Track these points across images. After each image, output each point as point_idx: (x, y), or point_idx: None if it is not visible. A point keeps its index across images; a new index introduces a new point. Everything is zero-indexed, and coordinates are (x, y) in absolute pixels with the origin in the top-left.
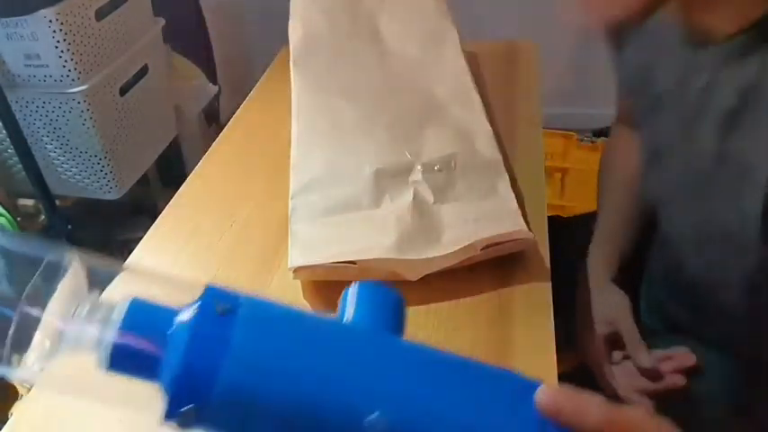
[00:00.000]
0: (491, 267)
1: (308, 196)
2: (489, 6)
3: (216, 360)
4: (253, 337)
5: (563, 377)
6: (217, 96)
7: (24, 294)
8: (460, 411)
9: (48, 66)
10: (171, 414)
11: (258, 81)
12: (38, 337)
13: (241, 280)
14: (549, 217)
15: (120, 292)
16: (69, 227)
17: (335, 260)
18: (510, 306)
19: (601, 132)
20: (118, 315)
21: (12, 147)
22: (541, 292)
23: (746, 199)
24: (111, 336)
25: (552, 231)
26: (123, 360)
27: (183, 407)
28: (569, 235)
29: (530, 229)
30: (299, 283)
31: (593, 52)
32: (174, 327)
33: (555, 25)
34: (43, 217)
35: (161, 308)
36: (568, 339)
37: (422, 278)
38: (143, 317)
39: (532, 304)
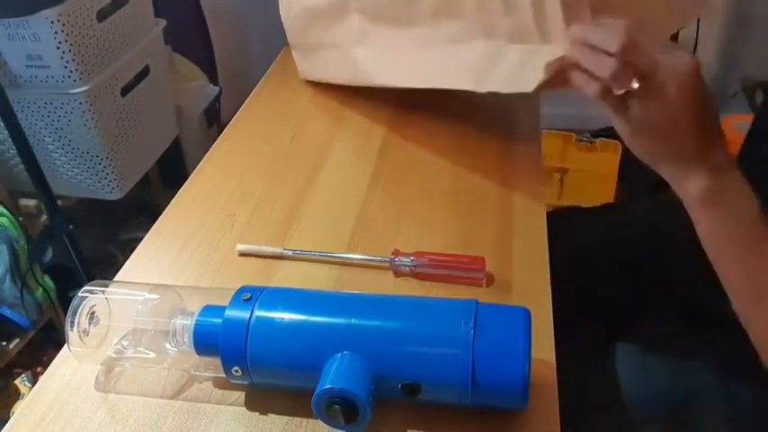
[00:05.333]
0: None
1: None
2: None
3: (243, 332)
4: (264, 310)
5: (564, 371)
6: (218, 97)
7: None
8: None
9: (49, 66)
10: (227, 373)
11: (259, 82)
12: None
13: (242, 279)
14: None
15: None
16: (71, 227)
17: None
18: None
19: (599, 133)
20: (195, 317)
21: (13, 147)
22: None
23: None
24: (192, 331)
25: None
26: (203, 347)
27: (232, 368)
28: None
29: None
30: (297, 283)
31: None
32: (223, 316)
33: None
34: (45, 217)
35: (219, 307)
36: (568, 333)
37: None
38: (210, 315)
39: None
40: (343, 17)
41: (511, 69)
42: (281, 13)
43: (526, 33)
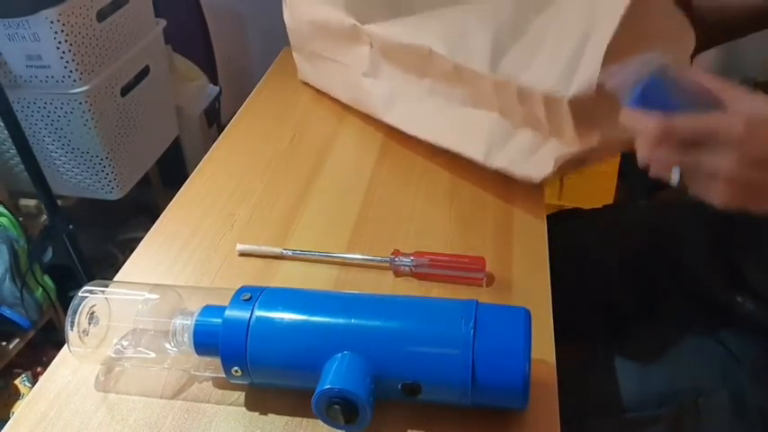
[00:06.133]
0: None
1: None
2: None
3: (242, 332)
4: (264, 310)
5: (565, 372)
6: (218, 97)
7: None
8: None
9: (49, 66)
10: (226, 373)
11: (259, 82)
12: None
13: (242, 279)
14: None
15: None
16: (71, 227)
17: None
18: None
19: None
20: (195, 317)
21: (13, 147)
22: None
23: None
24: (192, 331)
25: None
26: (203, 347)
27: (232, 368)
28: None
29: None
30: (297, 283)
31: None
32: (223, 316)
33: None
34: (45, 217)
35: (219, 307)
36: (568, 332)
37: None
38: (210, 315)
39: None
40: (354, 43)
41: (521, 152)
42: (284, 16)
43: (539, 124)
